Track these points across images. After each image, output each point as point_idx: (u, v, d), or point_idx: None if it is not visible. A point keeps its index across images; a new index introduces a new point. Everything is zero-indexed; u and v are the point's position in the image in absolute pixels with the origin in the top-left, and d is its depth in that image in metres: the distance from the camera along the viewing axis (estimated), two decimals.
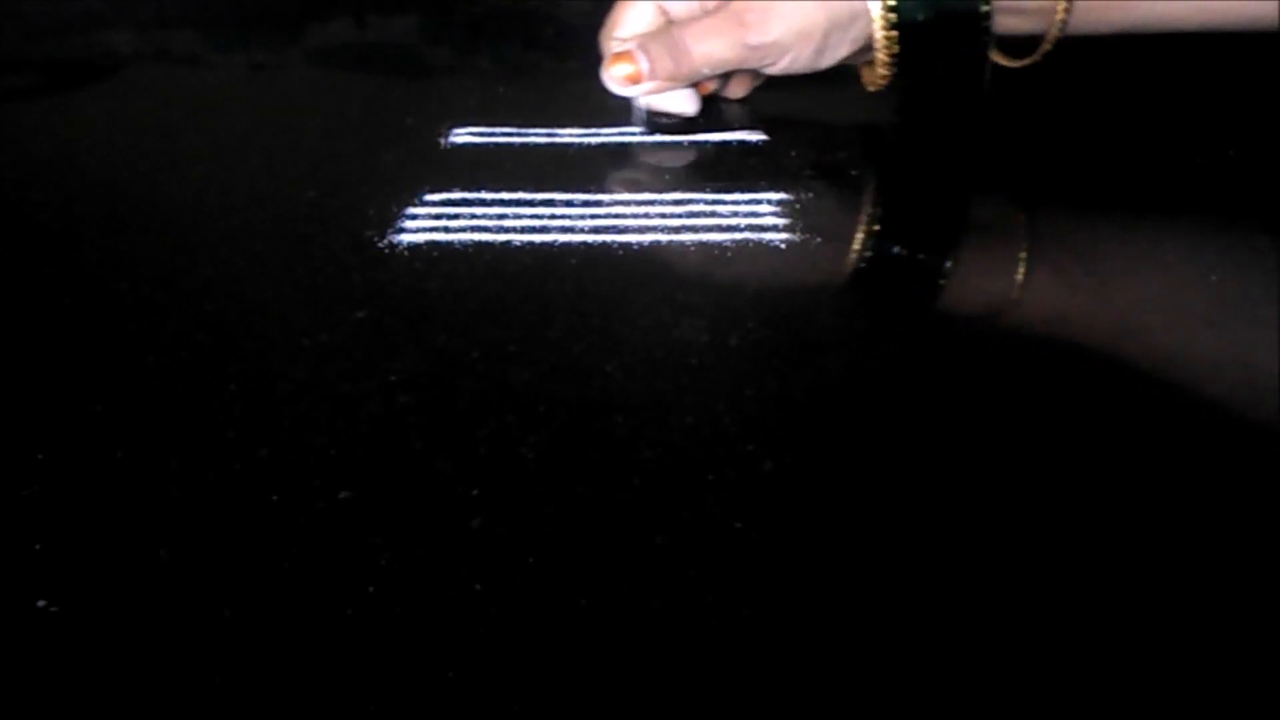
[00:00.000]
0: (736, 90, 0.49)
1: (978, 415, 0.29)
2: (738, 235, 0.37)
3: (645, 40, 0.44)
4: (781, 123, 0.46)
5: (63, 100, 0.53)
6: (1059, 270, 0.36)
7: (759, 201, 0.39)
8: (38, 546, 0.24)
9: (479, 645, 0.22)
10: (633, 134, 0.46)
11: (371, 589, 0.23)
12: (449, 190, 0.41)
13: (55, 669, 0.22)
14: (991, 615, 0.23)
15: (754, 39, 0.42)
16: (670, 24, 0.44)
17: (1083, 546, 0.24)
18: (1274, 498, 0.26)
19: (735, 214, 0.39)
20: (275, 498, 0.26)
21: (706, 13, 0.44)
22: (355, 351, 0.31)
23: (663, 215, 0.39)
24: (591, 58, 0.47)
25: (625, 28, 0.45)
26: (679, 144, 0.45)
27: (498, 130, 0.46)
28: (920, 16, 0.42)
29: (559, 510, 0.25)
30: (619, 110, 0.48)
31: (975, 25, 0.42)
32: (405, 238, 0.37)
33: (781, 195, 0.40)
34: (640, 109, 0.47)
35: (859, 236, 0.38)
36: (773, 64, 0.43)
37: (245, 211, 0.40)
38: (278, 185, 0.42)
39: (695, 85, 0.46)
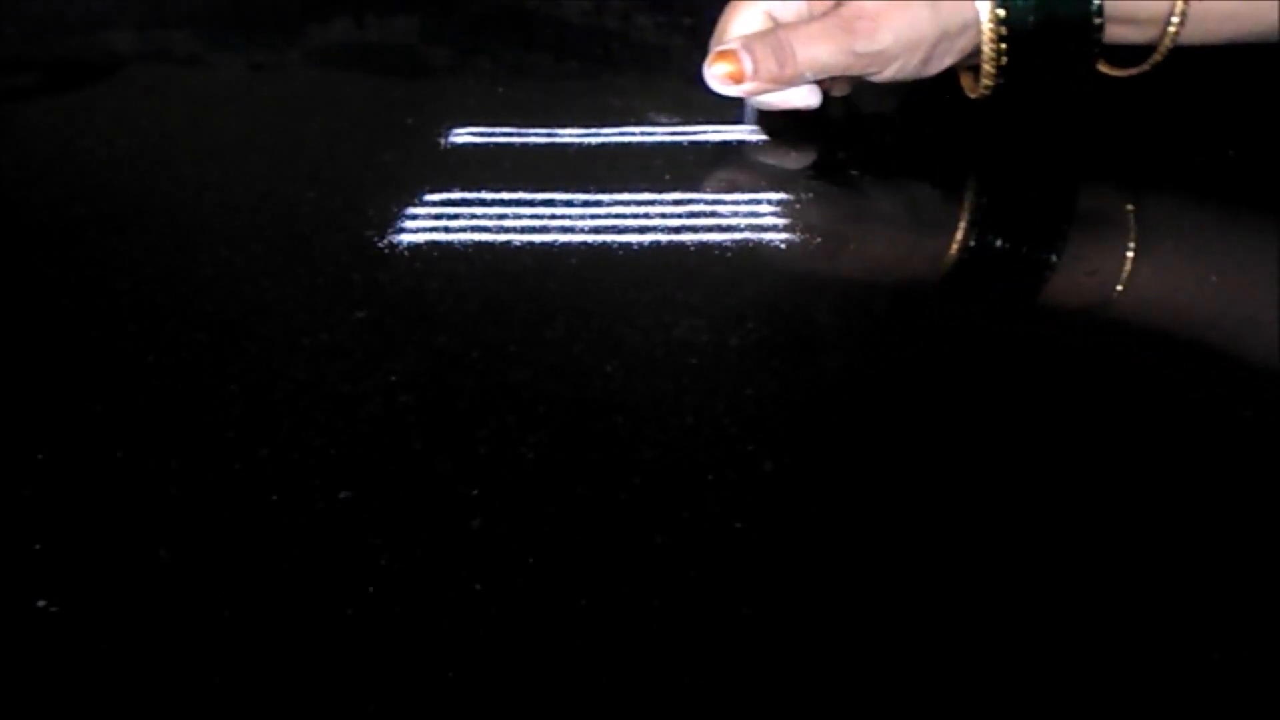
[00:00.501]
0: (837, 89, 0.48)
1: (977, 415, 0.29)
2: (738, 235, 0.37)
3: (750, 40, 0.43)
4: (782, 123, 0.46)
5: (63, 100, 0.53)
6: (1059, 270, 0.36)
7: (759, 201, 0.39)
8: (38, 546, 0.24)
9: (479, 645, 0.22)
10: (633, 134, 0.46)
11: (371, 589, 0.23)
12: (449, 190, 0.41)
13: (55, 669, 0.22)
14: (991, 615, 0.23)
15: (862, 47, 0.41)
16: (778, 25, 0.44)
17: (1081, 546, 0.24)
18: (1272, 500, 0.26)
19: (735, 214, 0.39)
20: (275, 498, 0.26)
21: (814, 17, 0.43)
22: (355, 351, 0.31)
23: (663, 215, 0.39)
24: (592, 58, 0.47)
25: (734, 30, 0.44)
26: (679, 144, 0.45)
27: (498, 130, 0.46)
28: (1031, 23, 0.41)
29: (559, 510, 0.25)
30: (619, 110, 0.48)
31: (1086, 35, 0.41)
32: (405, 238, 0.37)
33: (781, 195, 0.40)
34: (751, 108, 0.46)
35: (859, 236, 0.38)
36: (878, 72, 0.43)
37: (245, 211, 0.40)
38: (278, 185, 0.42)
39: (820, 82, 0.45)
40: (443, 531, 0.25)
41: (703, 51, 0.44)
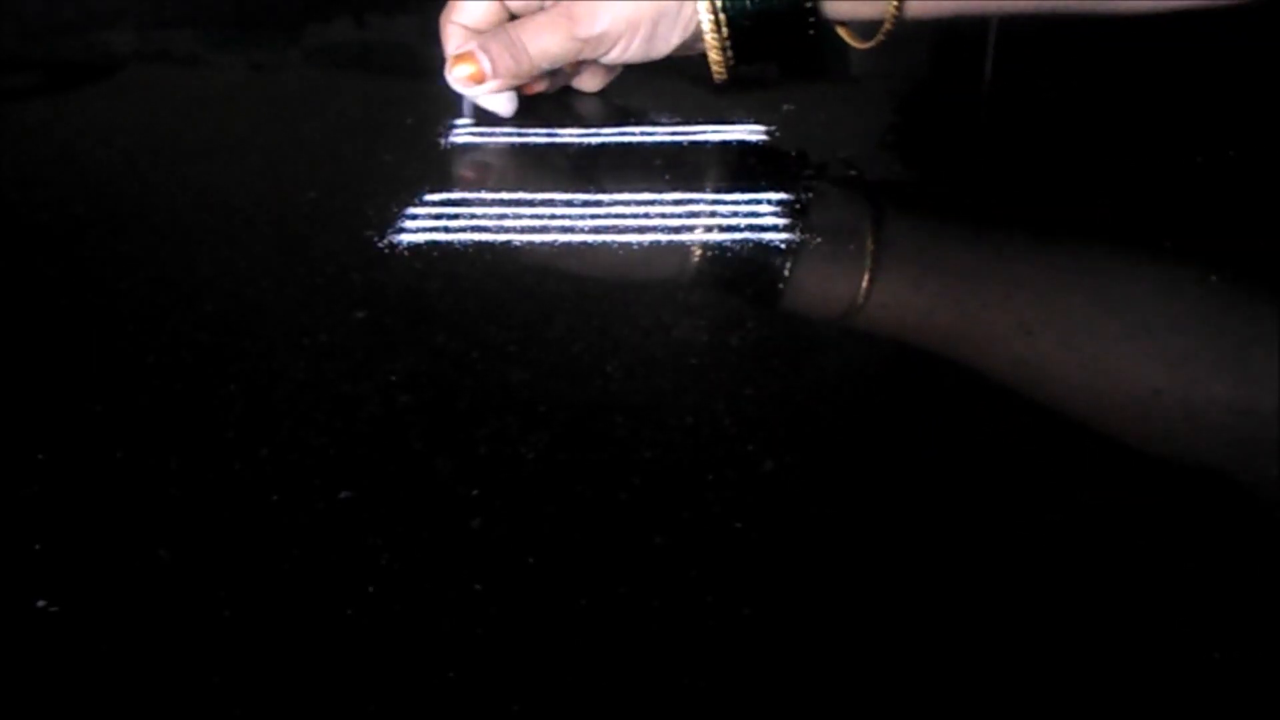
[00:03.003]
0: (589, 83, 0.50)
1: (977, 415, 0.29)
2: (738, 235, 0.37)
3: (484, 41, 0.45)
4: (782, 123, 0.46)
5: (63, 100, 0.53)
6: (1059, 269, 0.36)
7: (759, 201, 0.39)
8: (38, 546, 0.24)
9: (479, 645, 0.22)
10: (633, 134, 0.46)
11: (371, 589, 0.23)
12: (449, 190, 0.41)
13: (55, 669, 0.22)
14: (991, 615, 0.23)
15: (582, 32, 0.44)
16: (507, 22, 0.46)
17: (1081, 546, 0.24)
18: (1272, 500, 0.26)
19: (735, 214, 0.39)
20: (275, 498, 0.26)
21: (541, 7, 0.46)
22: (355, 351, 0.31)
23: (663, 215, 0.39)
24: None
25: (465, 14, 0.46)
26: (679, 144, 0.45)
27: (498, 130, 0.47)
28: (747, 5, 0.43)
29: (559, 510, 0.25)
30: (620, 109, 0.48)
31: (802, 14, 0.44)
32: (405, 238, 0.37)
33: (781, 195, 0.40)
34: (469, 103, 0.48)
35: (860, 236, 0.38)
36: (605, 54, 0.45)
37: (245, 211, 0.40)
38: (278, 185, 0.42)
39: (521, 87, 0.47)
40: (443, 531, 0.25)
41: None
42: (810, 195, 0.40)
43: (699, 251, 0.36)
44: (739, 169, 0.43)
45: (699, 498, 0.25)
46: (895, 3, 0.43)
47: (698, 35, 0.45)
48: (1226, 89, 0.48)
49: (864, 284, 0.34)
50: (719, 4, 0.44)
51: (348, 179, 0.42)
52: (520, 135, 0.46)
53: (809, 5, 0.44)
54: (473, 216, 0.39)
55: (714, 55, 0.45)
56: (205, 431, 0.28)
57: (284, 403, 0.29)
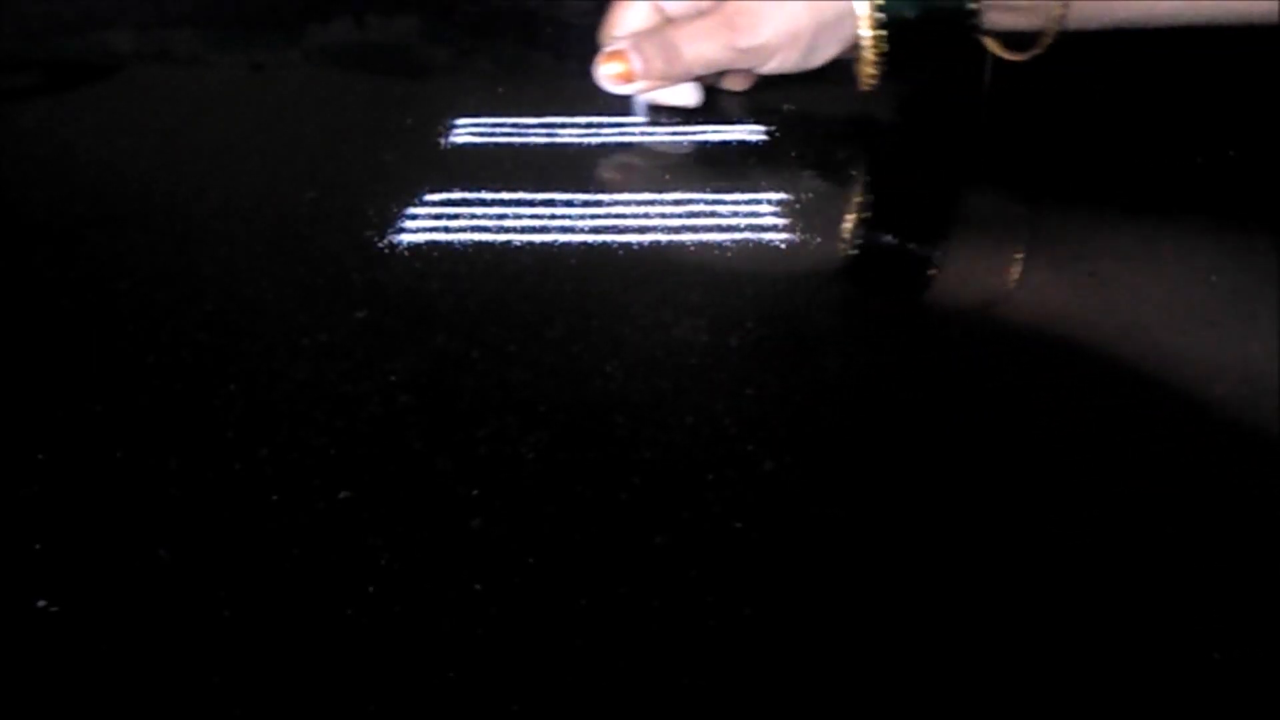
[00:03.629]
0: (734, 84, 0.49)
1: (977, 414, 0.29)
2: (738, 235, 0.37)
3: (638, 39, 0.44)
4: (781, 123, 0.46)
5: (63, 100, 0.53)
6: (1059, 269, 0.36)
7: (759, 201, 0.39)
8: (38, 546, 0.24)
9: (479, 645, 0.22)
10: (633, 134, 0.46)
11: (371, 589, 0.23)
12: (449, 190, 0.41)
13: (55, 669, 0.22)
14: (991, 614, 0.23)
15: (743, 42, 0.43)
16: (664, 24, 0.45)
17: (1081, 546, 0.24)
18: (1272, 500, 0.26)
19: (735, 214, 0.39)
20: (275, 498, 0.26)
21: (700, 13, 0.45)
22: (355, 351, 0.31)
23: (663, 215, 0.39)
24: (591, 57, 0.47)
25: (623, 27, 0.46)
26: (679, 144, 0.45)
27: (498, 130, 0.46)
28: (908, 15, 0.42)
29: (559, 510, 0.25)
30: (619, 109, 0.48)
31: (963, 23, 0.42)
32: (405, 238, 0.37)
33: (781, 195, 0.40)
34: (642, 102, 0.47)
35: (859, 236, 0.38)
36: (762, 65, 0.44)
37: (245, 211, 0.40)
38: (278, 185, 0.42)
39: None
40: (443, 531, 0.25)
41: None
42: (810, 195, 0.40)
43: (699, 251, 0.36)
44: (739, 169, 0.43)
45: (699, 498, 0.25)
46: (1059, 13, 0.42)
47: (854, 46, 0.44)
48: (1226, 89, 0.48)
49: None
50: (879, 17, 0.42)
51: (348, 179, 0.42)
52: (520, 135, 0.46)
53: (972, 8, 0.42)
54: (473, 216, 0.39)
55: (868, 68, 0.44)
56: (205, 431, 0.28)
57: (284, 403, 0.29)
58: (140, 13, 0.66)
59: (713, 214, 0.39)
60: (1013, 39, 0.44)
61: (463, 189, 0.41)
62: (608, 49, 0.45)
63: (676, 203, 0.39)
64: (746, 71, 0.48)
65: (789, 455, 0.27)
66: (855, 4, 0.42)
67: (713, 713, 0.21)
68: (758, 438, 0.27)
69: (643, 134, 0.46)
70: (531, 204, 0.40)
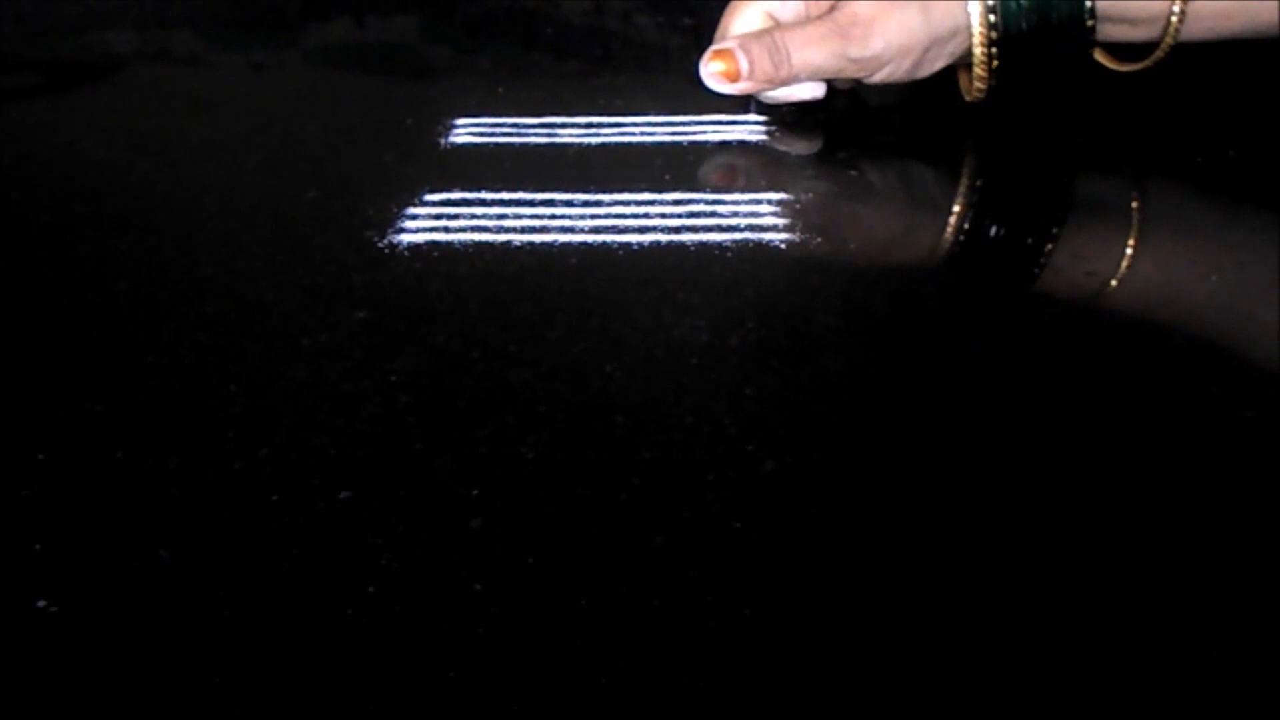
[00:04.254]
0: (839, 83, 0.49)
1: (977, 414, 0.29)
2: (738, 235, 0.37)
3: (747, 40, 0.43)
4: (782, 123, 0.46)
5: (63, 100, 0.53)
6: (1058, 270, 0.36)
7: (759, 201, 0.39)
8: (38, 546, 0.24)
9: (479, 645, 0.22)
10: (633, 134, 0.46)
11: (371, 589, 0.23)
12: (449, 190, 0.41)
13: (55, 669, 0.22)
14: (991, 614, 0.23)
15: (855, 52, 0.42)
16: (774, 26, 0.44)
17: (1081, 546, 0.24)
18: (1272, 500, 0.26)
19: (735, 214, 0.39)
20: (275, 498, 0.26)
21: (810, 19, 0.44)
22: (355, 351, 0.31)
23: (663, 215, 0.39)
24: (592, 57, 0.47)
25: (734, 31, 0.45)
26: (679, 144, 0.45)
27: (498, 130, 0.46)
28: (1024, 27, 0.41)
29: (559, 510, 0.25)
30: (620, 109, 0.48)
31: (1079, 36, 0.42)
32: (405, 238, 0.37)
33: (781, 195, 0.40)
34: (756, 102, 0.46)
35: (859, 236, 0.38)
36: (871, 76, 0.43)
37: (245, 211, 0.40)
38: (278, 185, 0.42)
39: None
40: (443, 531, 0.25)
41: (703, 51, 0.44)
42: (810, 195, 0.40)
43: (699, 251, 0.36)
44: (739, 169, 0.43)
45: (699, 498, 0.25)
46: (1175, 24, 0.41)
47: (964, 60, 0.43)
48: (1226, 89, 0.48)
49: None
50: (992, 34, 0.41)
51: (348, 179, 0.42)
52: (520, 135, 0.46)
53: (1090, 24, 0.41)
54: (473, 216, 0.39)
55: (980, 81, 0.43)
56: (205, 431, 0.28)
57: (284, 403, 0.29)
58: (140, 13, 0.66)
59: (713, 214, 0.39)
60: (1123, 50, 0.44)
61: (463, 189, 0.41)
62: (715, 47, 0.44)
63: (676, 203, 0.39)
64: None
65: (789, 455, 0.27)
66: (972, 16, 0.41)
67: (713, 713, 0.21)
68: (758, 438, 0.27)
69: (643, 134, 0.46)
70: (531, 204, 0.40)
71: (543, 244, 0.37)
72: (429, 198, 0.40)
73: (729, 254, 0.36)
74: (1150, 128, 0.46)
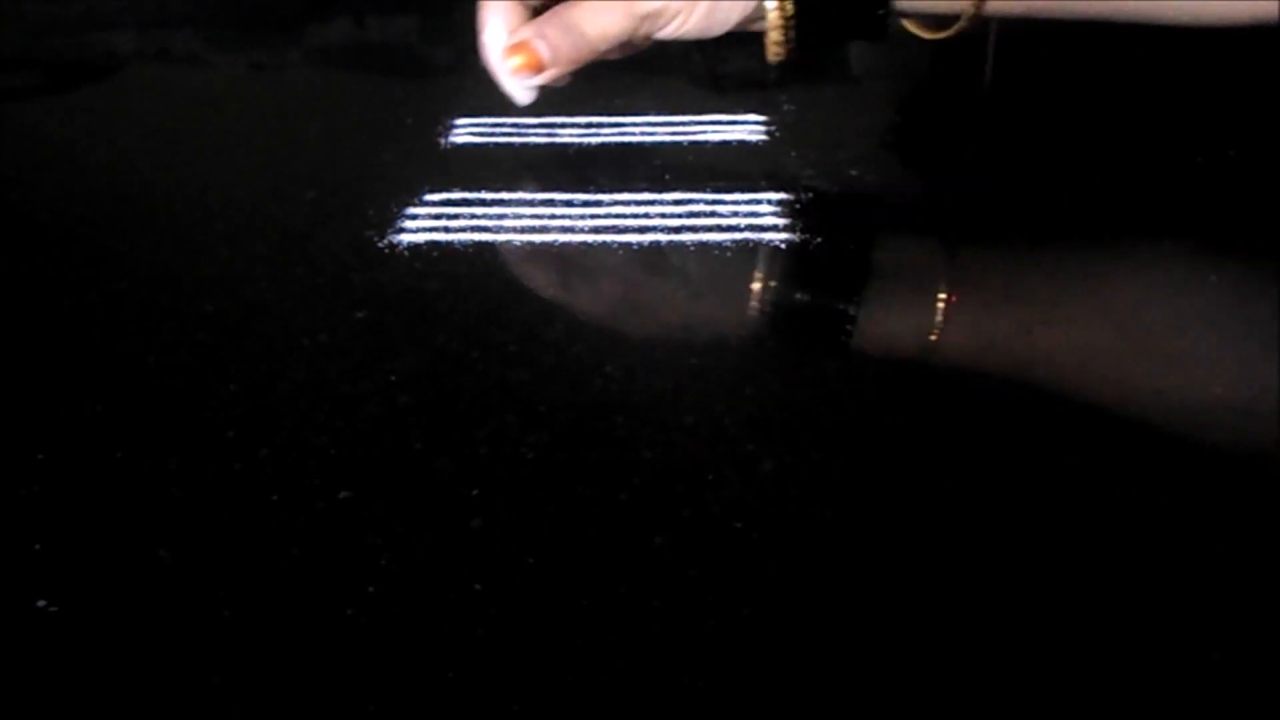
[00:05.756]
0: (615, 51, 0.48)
1: (977, 413, 0.29)
2: (738, 235, 0.37)
3: (539, 27, 0.43)
4: (782, 123, 0.46)
5: (63, 100, 0.53)
6: (1056, 269, 0.36)
7: (759, 201, 0.39)
8: (38, 546, 0.24)
9: (479, 645, 0.22)
10: (632, 134, 0.46)
11: (371, 589, 0.23)
12: (449, 190, 0.41)
13: (55, 669, 0.22)
14: (991, 614, 0.23)
15: (642, 8, 0.42)
16: (558, 6, 0.43)
17: (1081, 546, 0.24)
18: (1271, 500, 0.26)
19: (735, 214, 0.39)
20: (275, 498, 0.26)
21: None
22: (355, 351, 0.31)
23: (663, 215, 0.39)
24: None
25: (492, 27, 0.44)
26: (679, 144, 0.45)
27: (498, 130, 0.46)
28: None
29: (559, 510, 0.25)
30: (620, 109, 0.48)
31: (874, 2, 0.42)
32: (405, 238, 0.37)
33: (781, 195, 0.40)
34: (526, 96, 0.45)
35: (859, 236, 0.38)
36: (662, 29, 0.43)
37: (245, 211, 0.40)
38: (278, 185, 0.42)
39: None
40: (443, 531, 0.25)
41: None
42: (810, 195, 0.40)
43: (699, 251, 0.36)
44: (739, 169, 0.43)
45: (699, 498, 0.25)
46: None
47: (760, 13, 0.43)
48: (1226, 89, 0.48)
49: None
50: None
51: (348, 179, 0.42)
52: (520, 135, 0.46)
53: None
54: (473, 216, 0.39)
55: (775, 35, 0.42)
56: (205, 431, 0.28)
57: (284, 403, 0.29)
58: (140, 13, 0.66)
59: (713, 214, 0.39)
60: (933, 19, 0.44)
61: (463, 189, 0.41)
62: (510, 41, 0.43)
63: (676, 203, 0.39)
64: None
65: (789, 455, 0.27)
66: None
67: (713, 713, 0.21)
68: (758, 438, 0.27)
69: (643, 134, 0.46)
70: (531, 204, 0.40)
71: (543, 244, 0.37)
72: (429, 198, 0.40)
73: (729, 254, 0.36)
74: (1150, 128, 0.46)
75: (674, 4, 0.42)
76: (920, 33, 0.45)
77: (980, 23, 0.42)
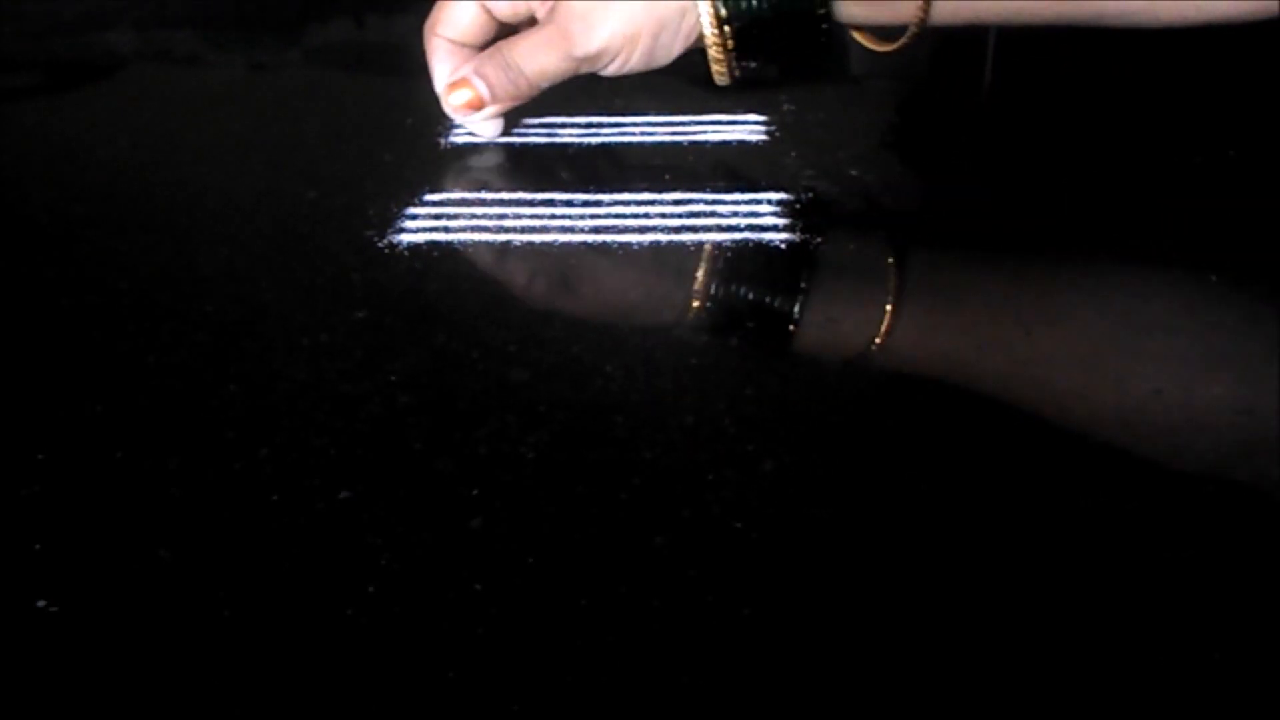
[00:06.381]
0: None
1: (977, 415, 0.29)
2: (738, 235, 0.37)
3: (479, 65, 0.43)
4: (782, 123, 0.46)
5: (63, 100, 0.53)
6: (1056, 269, 0.36)
7: (759, 201, 0.39)
8: (38, 546, 0.24)
9: (479, 645, 0.22)
10: (633, 134, 0.46)
11: (371, 589, 0.23)
12: (449, 190, 0.41)
13: (55, 669, 0.22)
14: (991, 614, 0.23)
15: (579, 50, 0.42)
16: (500, 42, 0.44)
17: (1082, 546, 0.24)
18: (1271, 500, 0.26)
19: (735, 214, 0.39)
20: (275, 498, 0.26)
21: (532, 16, 0.44)
22: (355, 351, 0.31)
23: (663, 215, 0.39)
24: None
25: (449, 27, 0.45)
26: (679, 144, 0.45)
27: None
28: (751, 10, 0.41)
29: (559, 510, 0.25)
30: (619, 109, 0.48)
31: (812, 19, 0.42)
32: (405, 238, 0.37)
33: (781, 195, 0.40)
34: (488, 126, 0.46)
35: (859, 236, 0.38)
36: (603, 69, 0.43)
37: (245, 211, 0.40)
38: (278, 185, 0.42)
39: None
40: (443, 531, 0.25)
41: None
42: (810, 195, 0.40)
43: (699, 252, 0.36)
44: (739, 169, 0.43)
45: (699, 498, 0.25)
46: (921, 6, 0.41)
47: (701, 41, 0.43)
48: (1226, 89, 0.48)
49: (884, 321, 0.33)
50: (721, 11, 0.42)
51: (348, 179, 0.42)
52: (520, 135, 0.46)
53: (821, 11, 0.42)
54: (473, 216, 0.39)
55: (716, 61, 0.43)
56: (205, 431, 0.28)
57: (284, 403, 0.29)
58: (140, 13, 0.66)
59: (713, 214, 0.39)
60: (881, 30, 0.44)
61: (463, 189, 0.41)
62: (452, 78, 0.44)
63: (676, 203, 0.39)
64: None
65: (789, 455, 0.27)
66: (699, 1, 0.41)
67: (713, 713, 0.21)
68: (758, 438, 0.27)
69: (643, 134, 0.46)
70: (531, 204, 0.40)
71: (543, 244, 0.37)
72: (429, 198, 0.40)
73: (729, 254, 0.36)
74: (1150, 128, 0.46)
75: (611, 47, 0.42)
76: (870, 45, 0.45)
77: (928, 33, 0.42)
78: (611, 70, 0.44)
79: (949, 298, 0.35)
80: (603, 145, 0.45)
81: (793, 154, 0.44)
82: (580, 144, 0.45)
